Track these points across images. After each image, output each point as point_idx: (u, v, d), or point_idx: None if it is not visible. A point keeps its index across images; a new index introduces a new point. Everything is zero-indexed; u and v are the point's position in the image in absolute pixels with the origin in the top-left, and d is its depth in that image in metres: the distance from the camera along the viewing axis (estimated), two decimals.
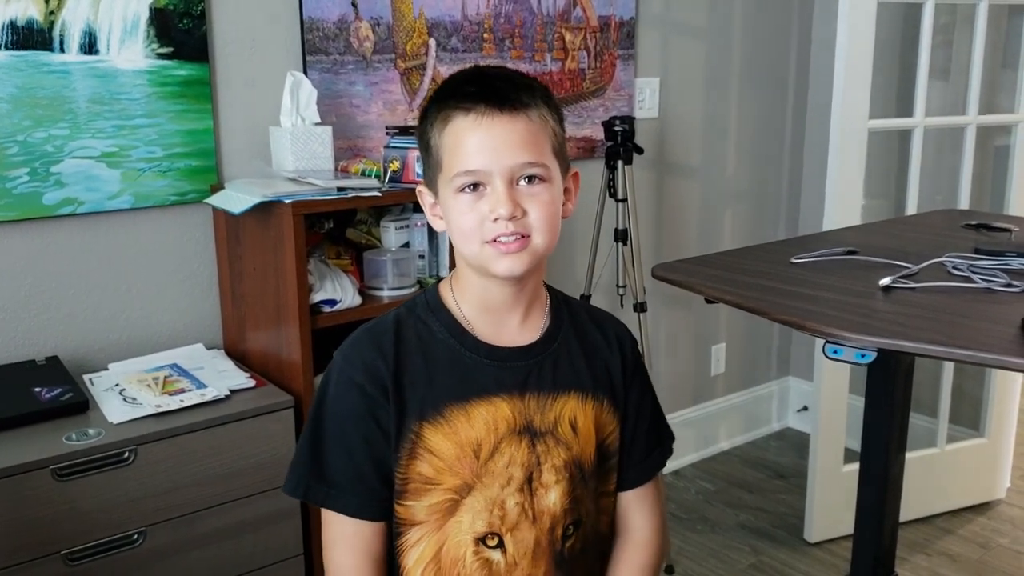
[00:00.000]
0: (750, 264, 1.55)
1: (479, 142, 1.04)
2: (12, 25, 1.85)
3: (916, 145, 2.72)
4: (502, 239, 1.04)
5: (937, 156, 3.07)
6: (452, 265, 2.16)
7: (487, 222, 1.04)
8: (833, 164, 2.64)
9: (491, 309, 1.13)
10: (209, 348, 2.16)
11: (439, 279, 2.14)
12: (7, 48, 1.86)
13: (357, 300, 2.03)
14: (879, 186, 3.21)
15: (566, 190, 1.13)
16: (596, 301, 2.20)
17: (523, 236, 1.05)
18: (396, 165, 2.09)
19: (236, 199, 1.96)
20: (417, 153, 2.06)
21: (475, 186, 1.05)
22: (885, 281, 1.36)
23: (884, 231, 1.84)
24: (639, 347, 1.27)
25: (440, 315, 1.13)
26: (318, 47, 2.26)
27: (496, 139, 1.04)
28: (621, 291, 2.74)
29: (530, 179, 1.05)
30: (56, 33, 1.91)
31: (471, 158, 1.04)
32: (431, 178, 1.11)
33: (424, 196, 1.15)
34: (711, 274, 1.48)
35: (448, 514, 1.10)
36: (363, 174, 2.13)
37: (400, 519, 1.12)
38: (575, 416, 1.14)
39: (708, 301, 1.44)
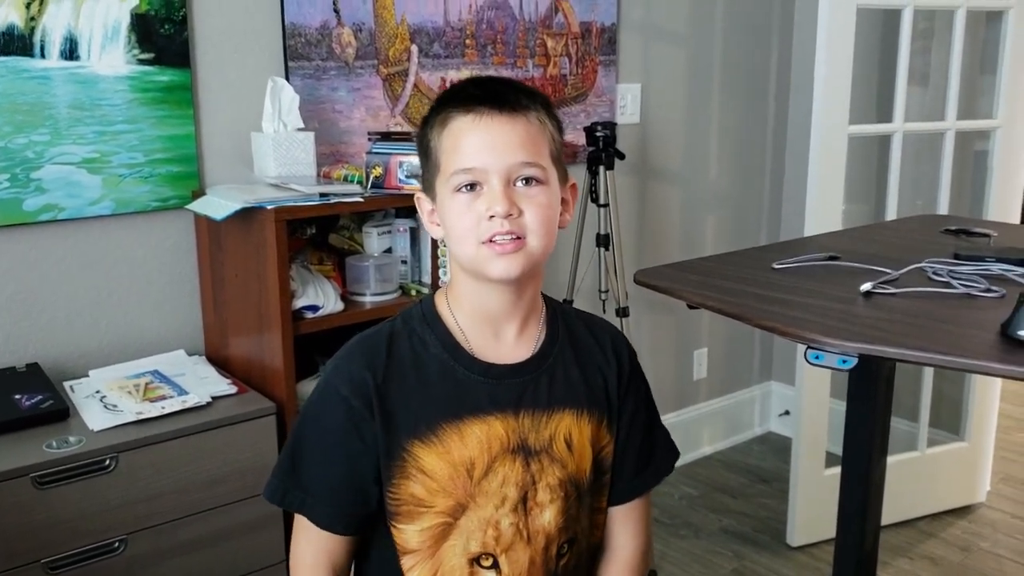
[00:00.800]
0: (732, 270, 1.55)
1: (478, 141, 1.04)
2: None
3: (896, 150, 2.74)
4: (497, 239, 1.03)
5: (917, 161, 3.10)
6: (435, 271, 2.16)
7: (483, 221, 1.03)
8: (814, 169, 2.66)
9: (487, 319, 1.11)
10: (190, 354, 2.15)
11: (434, 288, 2.14)
12: None
13: (339, 306, 2.03)
14: (859, 191, 3.24)
15: (563, 201, 1.12)
16: (578, 306, 2.20)
17: (518, 238, 1.04)
18: (378, 171, 2.08)
19: (218, 205, 1.95)
20: (399, 159, 2.06)
21: (472, 186, 1.04)
22: (866, 287, 1.37)
23: (865, 236, 1.85)
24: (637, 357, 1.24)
25: (435, 328, 1.12)
26: (300, 53, 2.25)
27: (495, 138, 1.04)
28: (603, 296, 2.75)
29: (527, 181, 1.05)
30: (37, 39, 1.89)
31: (469, 156, 1.04)
32: (429, 182, 1.11)
33: (422, 202, 1.14)
34: (693, 280, 1.49)
35: (441, 539, 1.09)
36: (345, 180, 2.13)
37: (396, 545, 1.11)
38: (570, 433, 1.12)
39: (690, 307, 1.45)
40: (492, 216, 1.03)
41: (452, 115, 1.06)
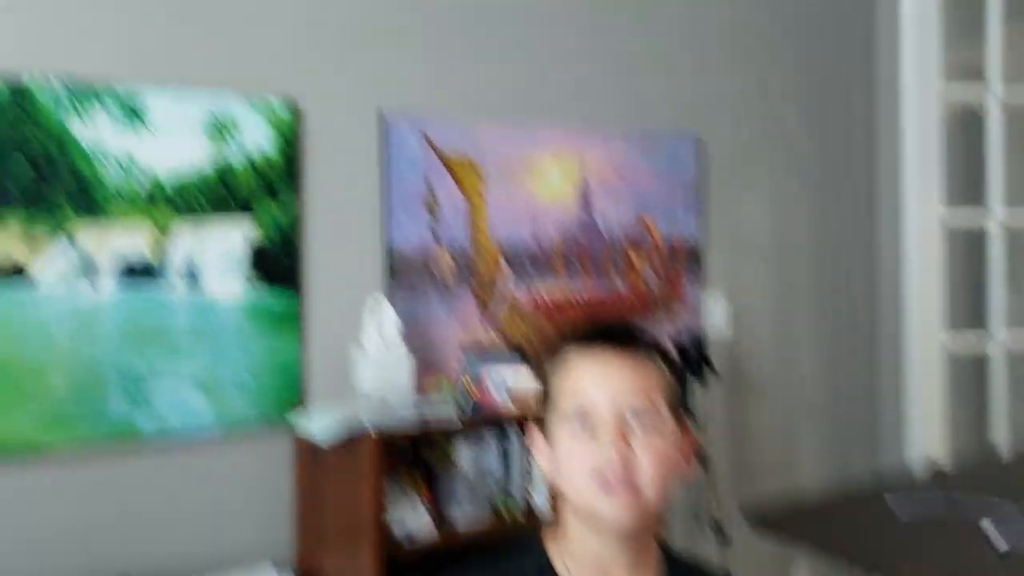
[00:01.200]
0: (848, 512, 1.50)
1: (592, 379, 1.05)
2: (123, 260, 1.97)
3: (998, 371, 2.68)
4: (608, 474, 1.02)
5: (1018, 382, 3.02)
6: (527, 490, 2.14)
7: (595, 458, 1.02)
8: (913, 387, 2.61)
9: (598, 568, 1.08)
10: (279, 568, 2.12)
11: (529, 516, 2.12)
12: (118, 281, 1.97)
13: (431, 531, 2.01)
14: (962, 402, 3.13)
15: (683, 453, 1.10)
16: (674, 529, 2.13)
17: (634, 488, 1.02)
18: (473, 389, 2.11)
19: (321, 427, 1.98)
20: (492, 372, 2.10)
21: (585, 423, 1.04)
22: (1001, 544, 1.30)
23: (976, 470, 1.78)
24: None
25: None
26: (401, 273, 2.35)
27: (610, 378, 1.05)
28: (702, 518, 2.66)
29: (642, 424, 1.04)
30: (161, 267, 2.02)
31: (584, 394, 1.05)
32: (544, 418, 1.11)
33: (535, 437, 1.14)
34: (809, 526, 1.44)
35: None
36: (440, 394, 2.16)
37: None
38: None
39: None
40: (604, 457, 1.02)
41: (570, 354, 1.09)
